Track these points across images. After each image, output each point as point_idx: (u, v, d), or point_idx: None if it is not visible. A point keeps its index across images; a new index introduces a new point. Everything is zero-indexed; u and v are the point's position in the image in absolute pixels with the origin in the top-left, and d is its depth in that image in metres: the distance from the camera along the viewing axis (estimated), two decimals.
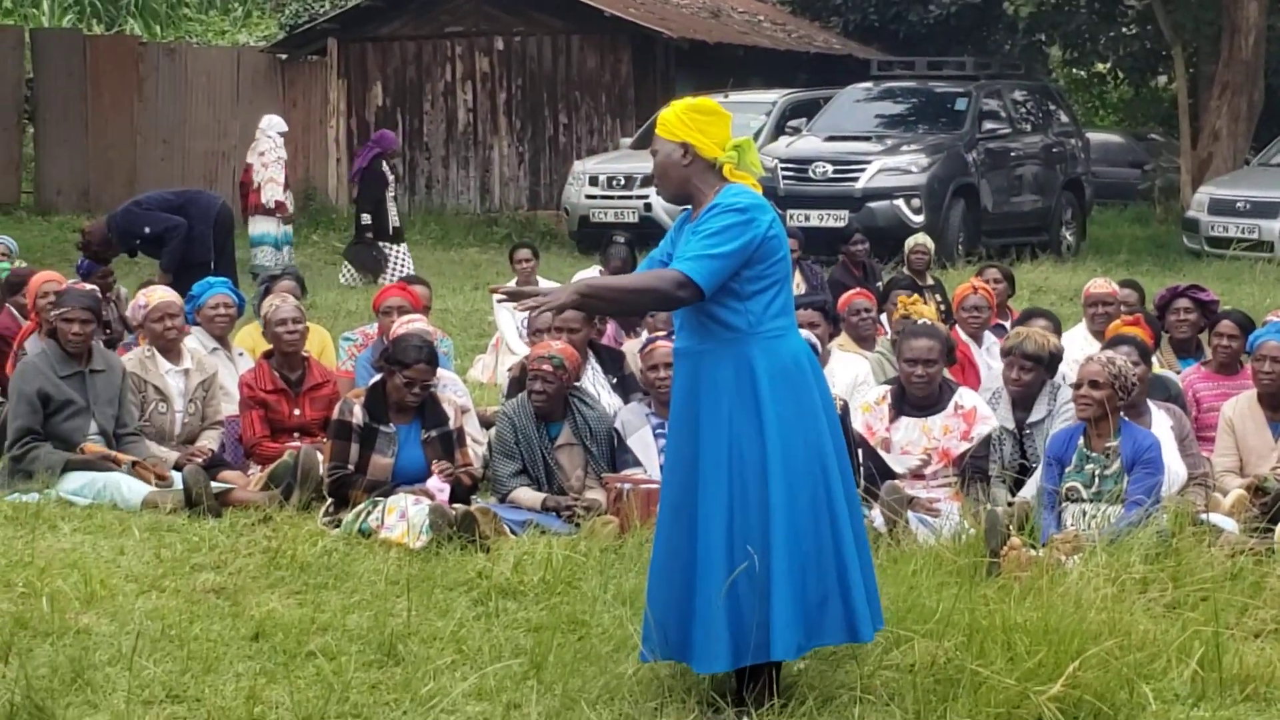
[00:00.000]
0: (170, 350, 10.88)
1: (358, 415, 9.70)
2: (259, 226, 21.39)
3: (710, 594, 6.36)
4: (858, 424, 9.83)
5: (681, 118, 6.51)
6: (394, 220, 21.38)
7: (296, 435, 10.60)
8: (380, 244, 21.09)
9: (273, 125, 21.91)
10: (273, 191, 21.27)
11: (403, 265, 21.04)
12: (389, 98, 29.69)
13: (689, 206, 6.63)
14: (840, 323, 12.31)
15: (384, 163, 21.53)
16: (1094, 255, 24.92)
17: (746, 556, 6.33)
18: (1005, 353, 10.11)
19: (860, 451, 9.73)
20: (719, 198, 6.43)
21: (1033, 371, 9.84)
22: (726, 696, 6.54)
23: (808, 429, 6.43)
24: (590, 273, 16.37)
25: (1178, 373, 11.41)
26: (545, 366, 9.79)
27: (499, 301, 7.22)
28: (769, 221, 6.44)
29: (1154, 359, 11.52)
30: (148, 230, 15.77)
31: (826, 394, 6.61)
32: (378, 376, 10.04)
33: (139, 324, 11.15)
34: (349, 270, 21.39)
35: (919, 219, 22.23)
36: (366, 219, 21.18)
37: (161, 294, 11.16)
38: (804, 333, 9.75)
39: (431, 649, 7.24)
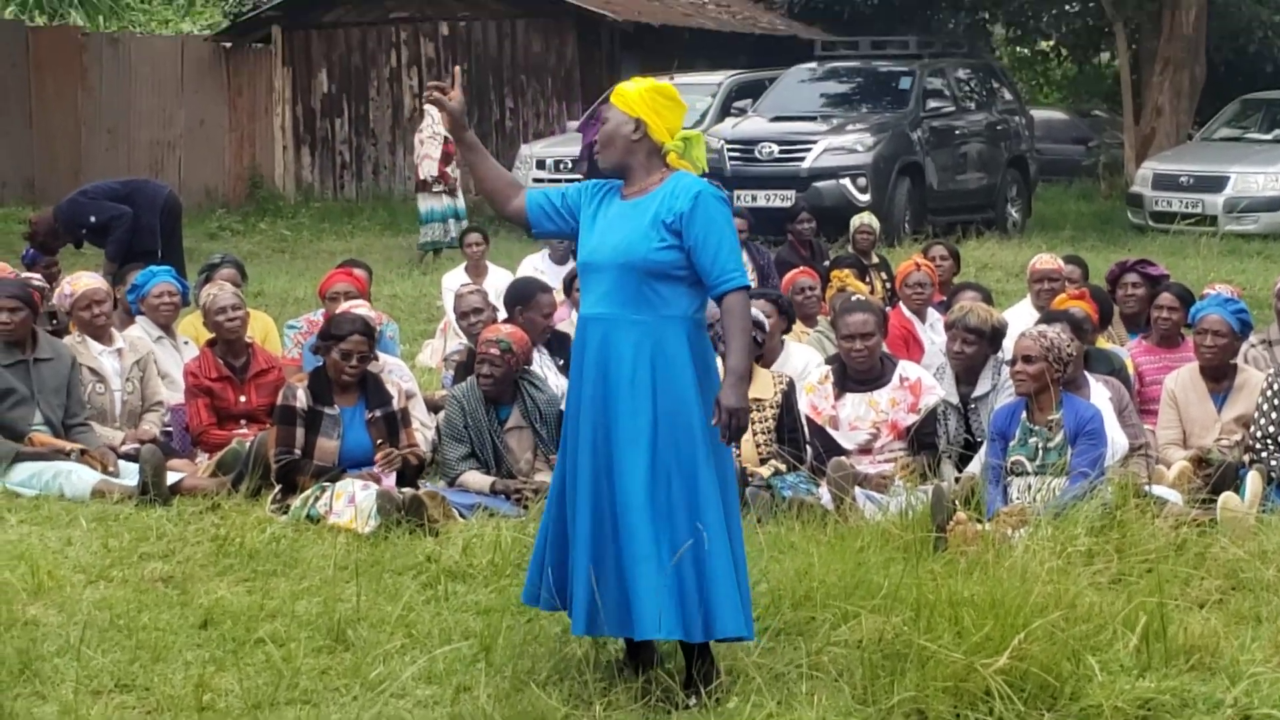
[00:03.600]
0: (100, 335, 10.90)
1: (301, 399, 9.68)
2: (421, 204, 21.82)
3: (644, 564, 6.42)
4: (803, 404, 9.86)
5: (642, 95, 6.63)
6: None
7: (243, 422, 10.57)
8: None
9: None
10: (428, 168, 21.61)
11: None
12: (335, 85, 29.62)
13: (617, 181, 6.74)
14: (793, 316, 12.17)
15: None
16: (1039, 232, 24.99)
17: (675, 532, 6.42)
18: (949, 326, 10.18)
19: (807, 430, 9.80)
20: (678, 181, 6.56)
21: (975, 345, 9.91)
22: (675, 676, 6.56)
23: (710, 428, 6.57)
24: (539, 257, 16.32)
25: (1126, 346, 11.46)
26: (493, 350, 9.79)
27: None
28: None
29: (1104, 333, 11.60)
30: (93, 219, 15.69)
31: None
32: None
33: (67, 311, 11.16)
34: None
35: (865, 198, 22.29)
36: None
37: (86, 281, 11.17)
38: (754, 311, 9.87)
39: (381, 633, 7.24)
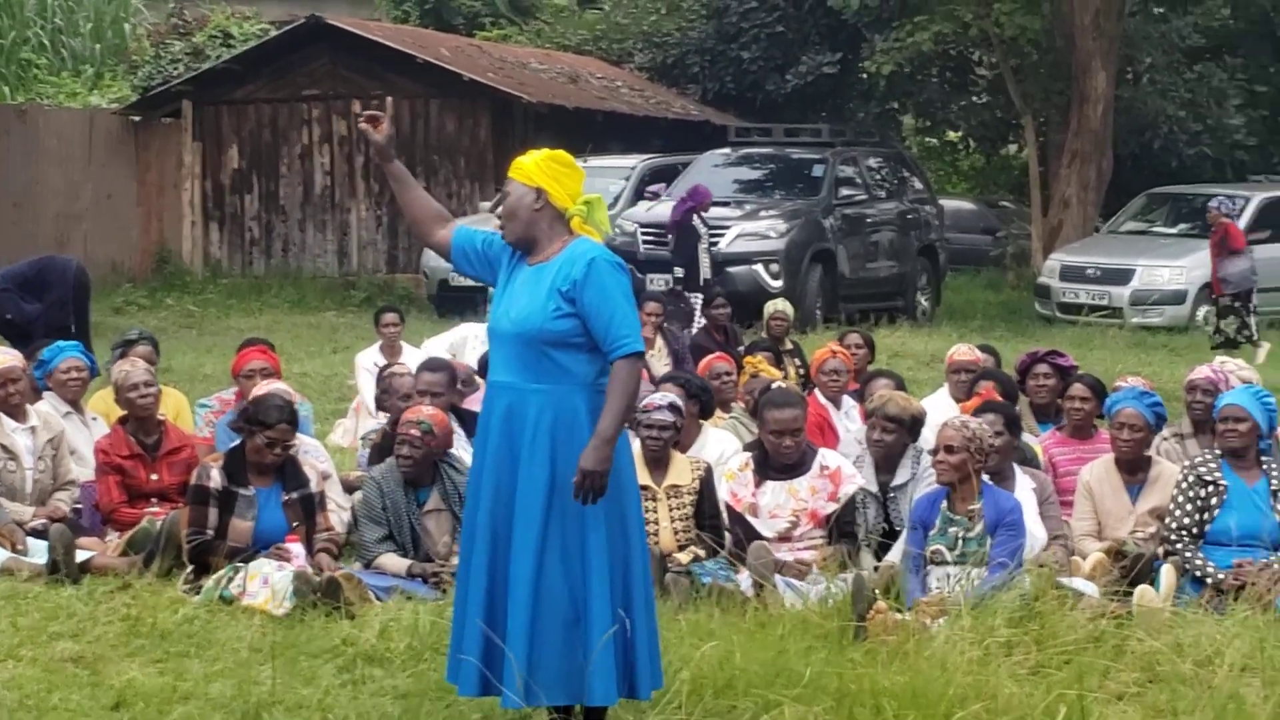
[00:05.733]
0: (14, 413, 10.74)
1: (216, 479, 9.59)
2: None
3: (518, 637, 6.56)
4: (723, 492, 9.83)
5: (540, 165, 6.77)
6: (705, 273, 21.27)
7: (154, 501, 10.45)
8: (689, 295, 20.88)
9: None
10: None
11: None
12: (245, 160, 29.51)
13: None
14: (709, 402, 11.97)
15: (694, 216, 21.45)
16: (949, 321, 25.20)
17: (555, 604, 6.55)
18: (868, 414, 10.20)
19: (726, 517, 9.77)
20: (576, 248, 6.67)
21: (895, 433, 9.94)
22: None
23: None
24: (471, 329, 16.00)
25: (1037, 437, 11.50)
26: (413, 431, 9.73)
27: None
28: None
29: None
30: (9, 317, 15.54)
31: None
32: (238, 440, 9.93)
33: None
34: None
35: (777, 284, 22.37)
36: (680, 272, 21.10)
37: (1, 359, 10.99)
38: (673, 397, 9.89)
39: (297, 718, 7.17)
